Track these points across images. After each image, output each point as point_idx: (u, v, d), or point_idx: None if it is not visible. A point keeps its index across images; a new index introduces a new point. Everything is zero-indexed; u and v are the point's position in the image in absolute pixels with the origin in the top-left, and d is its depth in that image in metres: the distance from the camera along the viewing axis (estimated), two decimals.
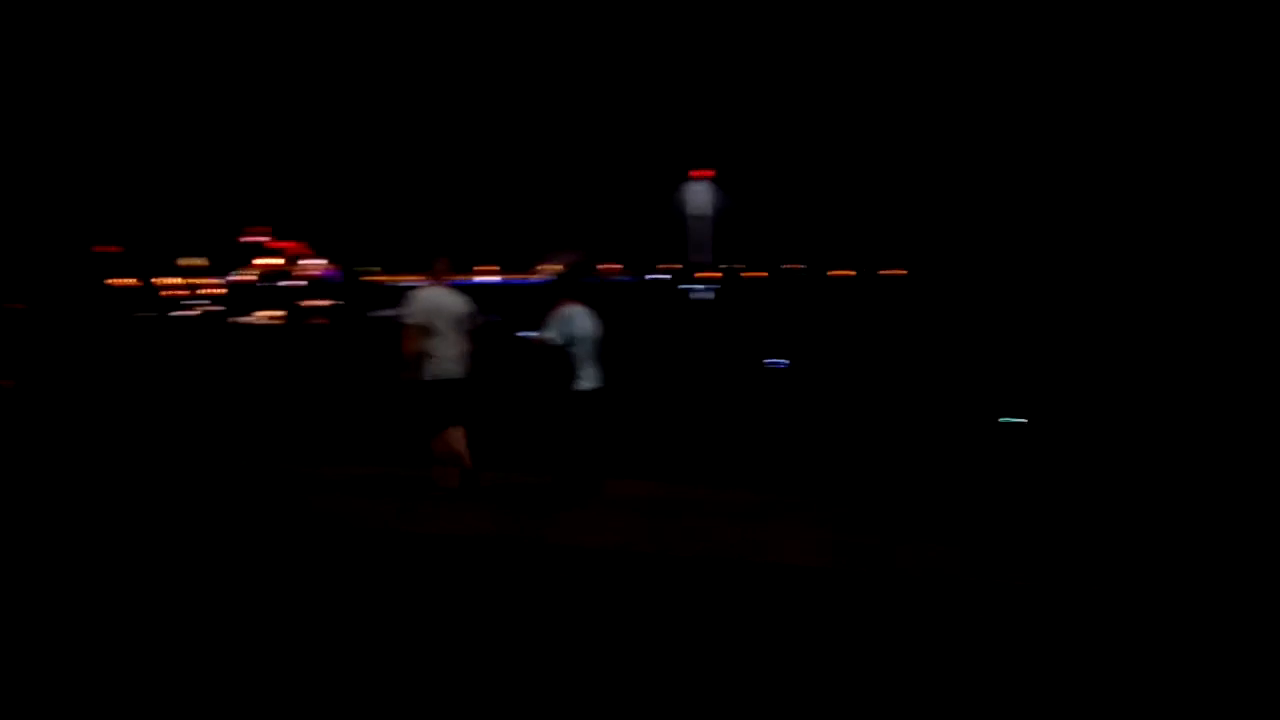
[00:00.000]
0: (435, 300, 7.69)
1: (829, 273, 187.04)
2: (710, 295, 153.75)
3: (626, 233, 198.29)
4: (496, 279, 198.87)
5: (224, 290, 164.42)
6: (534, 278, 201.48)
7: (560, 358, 7.41)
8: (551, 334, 7.46)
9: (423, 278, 7.90)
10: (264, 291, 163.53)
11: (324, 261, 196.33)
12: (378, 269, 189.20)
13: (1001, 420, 16.04)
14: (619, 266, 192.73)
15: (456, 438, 7.74)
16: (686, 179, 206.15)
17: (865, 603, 5.09)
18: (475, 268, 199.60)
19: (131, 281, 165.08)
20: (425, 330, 7.57)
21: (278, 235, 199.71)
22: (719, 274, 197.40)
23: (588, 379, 7.49)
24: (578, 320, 7.60)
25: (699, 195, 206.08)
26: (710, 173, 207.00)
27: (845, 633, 4.70)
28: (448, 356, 7.63)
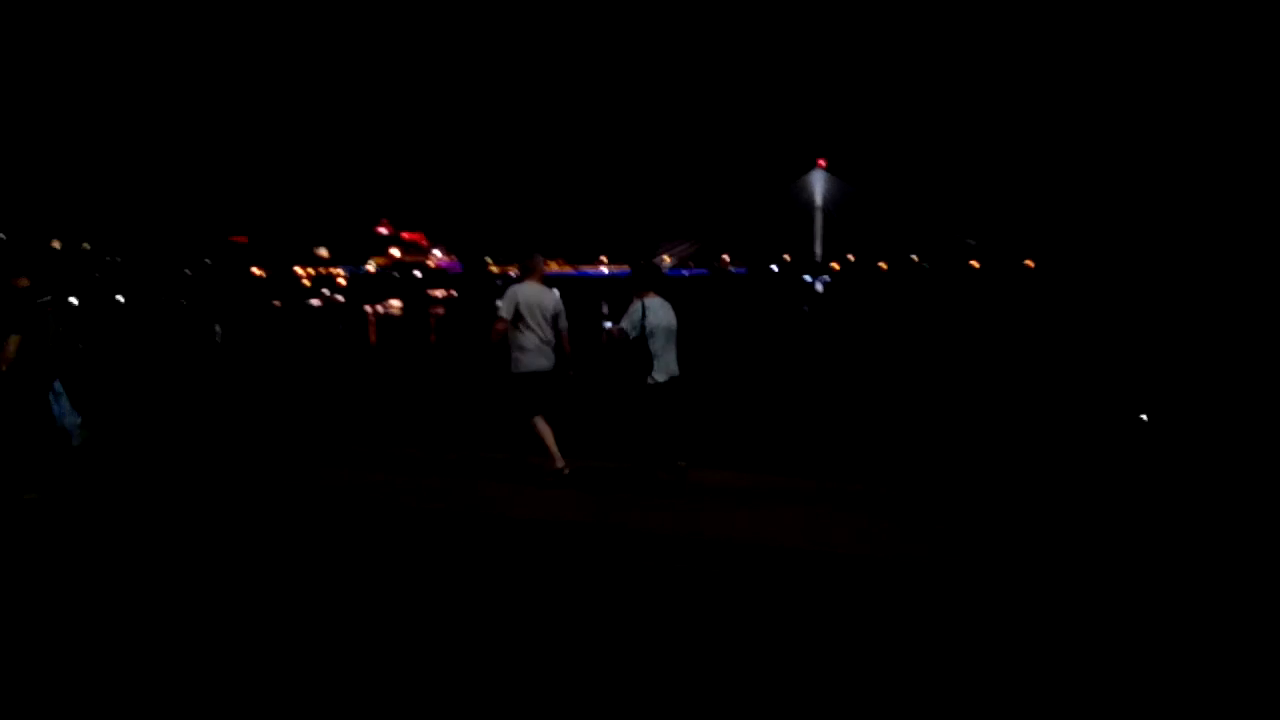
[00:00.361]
0: (526, 295, 7.68)
1: (969, 263, 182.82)
2: (822, 287, 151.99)
3: (745, 223, 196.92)
4: (617, 270, 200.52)
5: (345, 280, 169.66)
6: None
7: (637, 348, 7.37)
8: (627, 325, 7.45)
9: (514, 271, 7.95)
10: (385, 281, 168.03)
11: (441, 252, 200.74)
12: (491, 259, 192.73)
13: (1137, 416, 15.12)
14: (726, 258, 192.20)
15: (544, 427, 7.71)
16: (813, 168, 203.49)
17: (892, 590, 5.26)
18: (600, 258, 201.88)
19: (259, 271, 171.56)
20: (515, 323, 7.60)
21: (398, 226, 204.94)
22: (836, 265, 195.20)
23: (663, 370, 7.44)
24: (653, 312, 7.49)
25: (818, 185, 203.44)
26: (823, 162, 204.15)
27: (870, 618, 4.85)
28: (537, 349, 7.64)
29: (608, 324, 7.60)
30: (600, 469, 8.03)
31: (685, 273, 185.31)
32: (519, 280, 7.84)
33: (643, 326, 7.39)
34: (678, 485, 7.50)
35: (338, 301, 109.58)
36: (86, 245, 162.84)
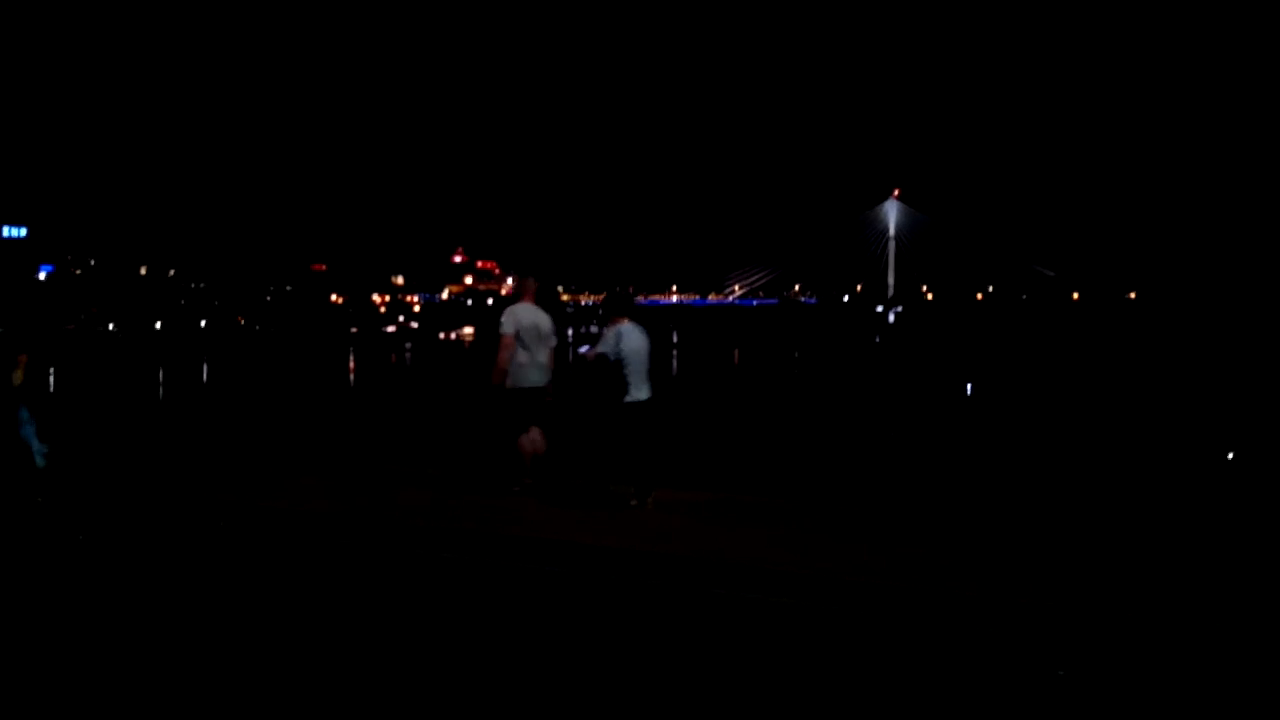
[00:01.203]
0: (523, 315, 8.19)
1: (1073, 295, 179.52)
2: (894, 318, 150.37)
3: (818, 253, 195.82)
4: (687, 299, 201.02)
5: (419, 307, 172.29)
6: (722, 298, 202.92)
7: (614, 372, 7.78)
8: (603, 349, 7.81)
9: (508, 292, 8.59)
10: (457, 308, 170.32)
11: (513, 279, 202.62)
12: (562, 288, 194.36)
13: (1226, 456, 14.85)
14: (796, 288, 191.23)
15: (533, 440, 8.18)
16: (887, 197, 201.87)
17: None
18: (672, 288, 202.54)
19: (338, 299, 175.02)
20: (513, 343, 8.08)
21: (471, 254, 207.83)
22: (929, 294, 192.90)
23: (639, 391, 7.77)
24: (628, 337, 7.83)
25: (893, 215, 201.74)
26: (897, 192, 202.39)
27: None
28: (530, 366, 8.10)
29: (583, 348, 8.03)
30: (579, 487, 8.38)
31: (754, 302, 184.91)
32: (513, 301, 8.36)
33: (619, 351, 7.74)
34: (642, 503, 7.74)
35: (411, 328, 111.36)
36: (171, 272, 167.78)
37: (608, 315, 8.15)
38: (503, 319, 8.18)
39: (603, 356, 7.78)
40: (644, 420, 7.78)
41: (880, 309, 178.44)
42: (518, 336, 8.07)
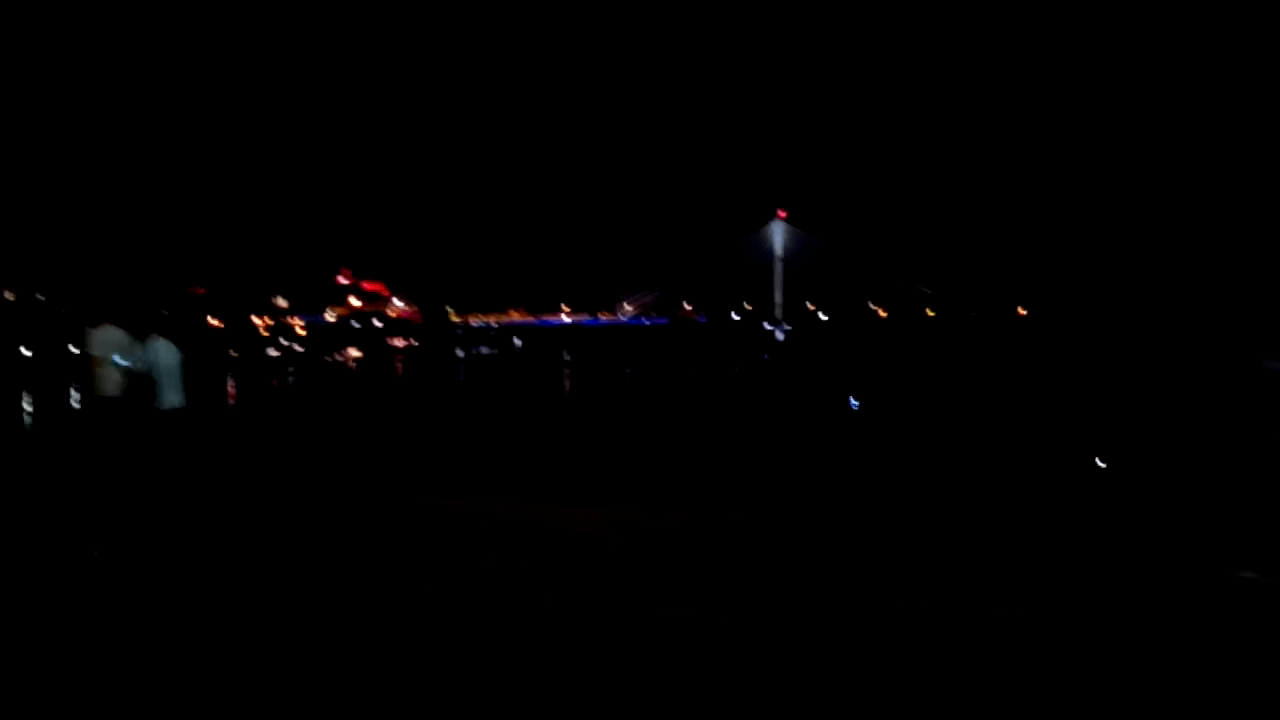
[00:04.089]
0: (101, 335, 9.18)
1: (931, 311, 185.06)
2: (782, 335, 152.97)
3: (706, 273, 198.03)
4: (577, 319, 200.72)
5: (305, 330, 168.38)
6: (612, 318, 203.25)
7: (144, 381, 9.00)
8: (130, 361, 9.04)
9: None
10: (344, 331, 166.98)
11: (403, 302, 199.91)
12: (451, 309, 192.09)
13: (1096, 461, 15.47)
14: (688, 307, 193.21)
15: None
16: (773, 218, 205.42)
17: None
18: (563, 308, 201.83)
19: (217, 322, 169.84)
20: (95, 360, 9.10)
21: (358, 276, 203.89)
22: (822, 315, 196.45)
23: (169, 401, 9.07)
24: (158, 350, 9.18)
25: (778, 236, 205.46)
26: (782, 214, 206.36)
27: None
28: (111, 380, 9.05)
29: (124, 361, 9.12)
30: None
31: (646, 321, 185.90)
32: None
33: (148, 363, 9.04)
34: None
35: (296, 351, 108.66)
36: (40, 297, 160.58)
37: (144, 330, 9.41)
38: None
39: (130, 370, 8.97)
40: (175, 427, 9.06)
41: (769, 327, 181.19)
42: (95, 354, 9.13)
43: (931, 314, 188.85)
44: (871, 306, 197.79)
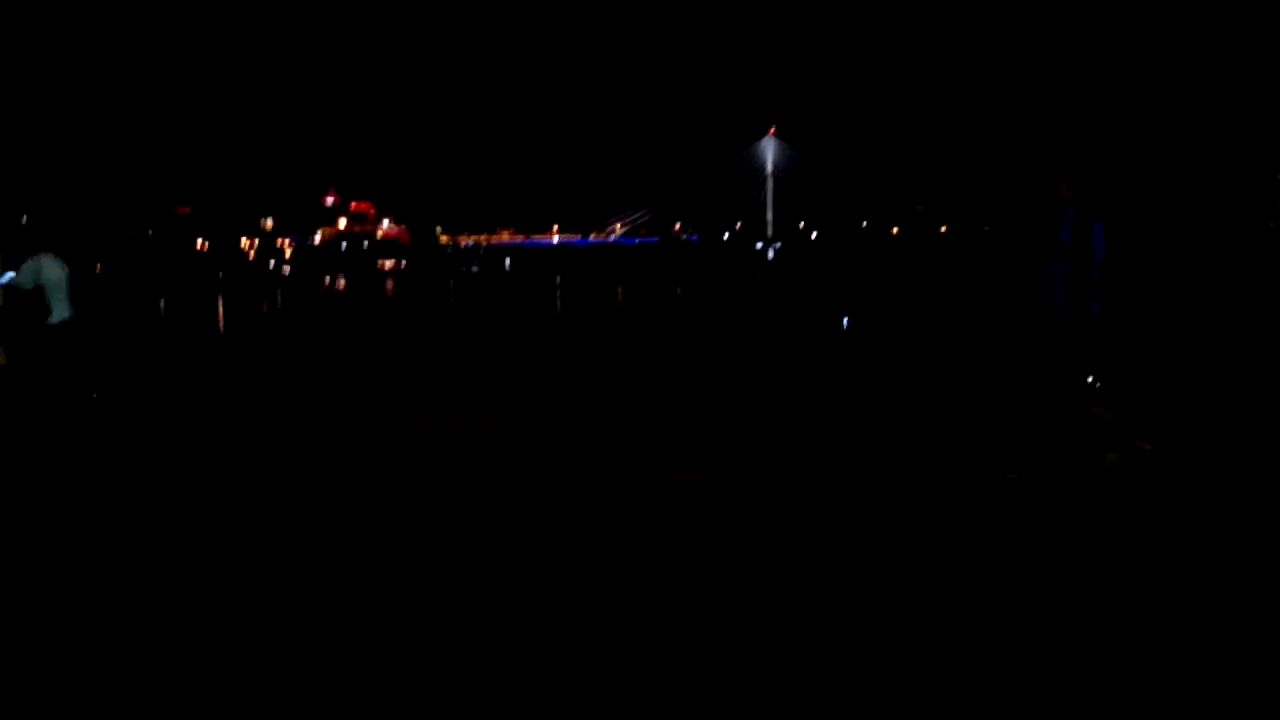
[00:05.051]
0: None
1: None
2: (773, 254, 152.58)
3: (697, 191, 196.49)
4: (570, 239, 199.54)
5: (290, 251, 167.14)
6: (604, 237, 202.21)
7: (34, 299, 9.24)
8: (20, 279, 9.29)
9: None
10: (332, 252, 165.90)
11: (391, 222, 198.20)
12: (440, 229, 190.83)
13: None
14: (678, 226, 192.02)
15: None
16: (765, 135, 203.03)
17: None
18: (554, 228, 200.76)
19: (202, 244, 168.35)
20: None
21: (346, 196, 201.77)
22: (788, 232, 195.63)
23: (58, 315, 9.28)
24: (45, 267, 9.33)
25: (769, 153, 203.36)
26: (773, 130, 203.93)
27: None
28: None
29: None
30: None
31: (635, 241, 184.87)
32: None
33: (37, 280, 9.23)
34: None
35: (284, 273, 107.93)
36: (24, 218, 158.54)
37: (33, 249, 9.58)
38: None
39: (17, 286, 9.26)
40: (61, 339, 9.33)
41: (760, 246, 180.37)
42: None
43: (943, 230, 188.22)
44: (866, 224, 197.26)
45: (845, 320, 29.83)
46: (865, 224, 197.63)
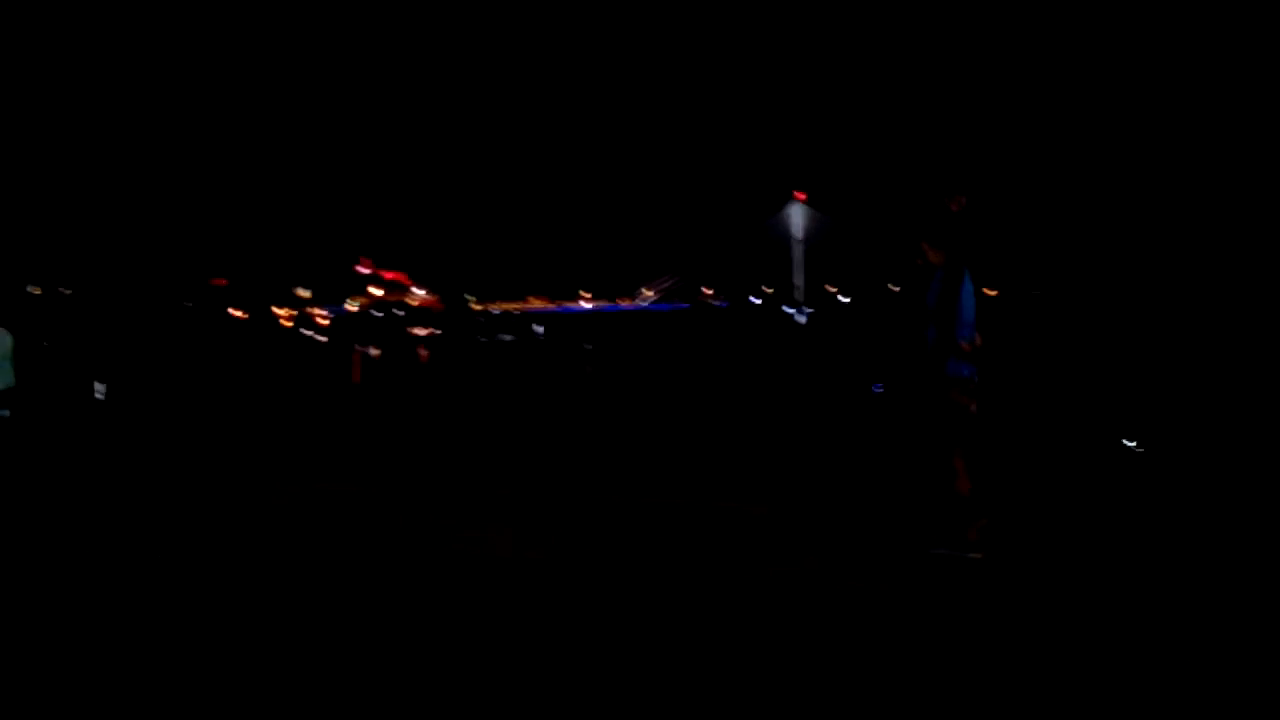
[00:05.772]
0: None
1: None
2: (804, 319, 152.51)
3: (726, 257, 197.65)
4: (601, 305, 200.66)
5: (328, 320, 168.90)
6: (633, 303, 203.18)
7: None
8: None
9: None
10: (367, 321, 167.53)
11: (424, 291, 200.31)
12: (474, 298, 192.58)
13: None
14: (708, 291, 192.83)
15: None
16: (790, 200, 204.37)
17: None
18: (580, 293, 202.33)
19: (241, 314, 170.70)
20: None
21: (379, 265, 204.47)
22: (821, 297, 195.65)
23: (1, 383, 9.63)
24: None
25: (797, 217, 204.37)
26: (801, 195, 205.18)
27: None
28: None
29: None
30: None
31: (666, 307, 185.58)
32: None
33: None
34: None
35: (320, 341, 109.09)
36: (65, 290, 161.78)
37: None
38: None
39: None
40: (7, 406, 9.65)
41: (789, 310, 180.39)
42: None
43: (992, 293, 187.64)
44: (893, 288, 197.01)
45: (877, 387, 29.87)
46: (897, 289, 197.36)
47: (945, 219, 7.30)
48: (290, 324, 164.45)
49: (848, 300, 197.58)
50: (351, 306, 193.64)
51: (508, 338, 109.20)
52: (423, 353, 76.59)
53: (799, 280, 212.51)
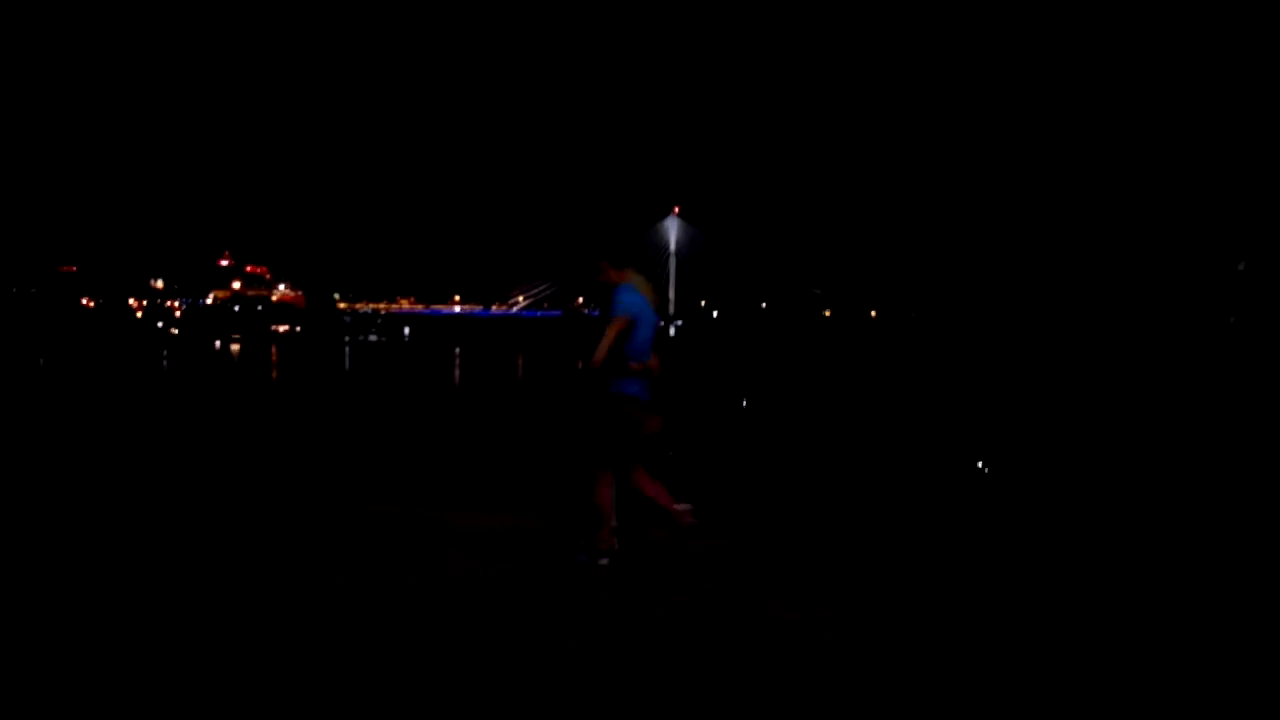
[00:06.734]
0: None
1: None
2: (674, 331, 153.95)
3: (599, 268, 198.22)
4: (472, 309, 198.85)
5: (180, 312, 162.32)
6: (506, 309, 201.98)
7: None
8: None
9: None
10: (224, 314, 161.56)
11: (286, 286, 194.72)
12: (338, 295, 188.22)
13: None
14: (580, 300, 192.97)
15: None
16: (670, 215, 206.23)
17: None
18: (455, 298, 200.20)
19: (89, 302, 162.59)
20: None
21: (239, 258, 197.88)
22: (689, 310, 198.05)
23: None
24: None
25: (673, 232, 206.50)
26: (676, 209, 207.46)
27: None
28: None
29: None
30: None
31: (537, 314, 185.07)
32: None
33: None
34: None
35: (171, 334, 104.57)
36: None
37: None
38: None
39: None
40: None
41: (661, 323, 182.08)
42: None
43: (828, 314, 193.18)
44: (765, 305, 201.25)
45: (744, 401, 29.89)
46: (764, 305, 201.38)
47: (630, 239, 7.25)
48: (142, 314, 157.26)
49: (716, 314, 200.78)
50: (209, 299, 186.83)
51: (374, 338, 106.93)
52: (275, 351, 74.11)
53: (671, 293, 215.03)
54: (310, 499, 7.99)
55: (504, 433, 19.27)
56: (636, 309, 7.04)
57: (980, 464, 16.00)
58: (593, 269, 6.98)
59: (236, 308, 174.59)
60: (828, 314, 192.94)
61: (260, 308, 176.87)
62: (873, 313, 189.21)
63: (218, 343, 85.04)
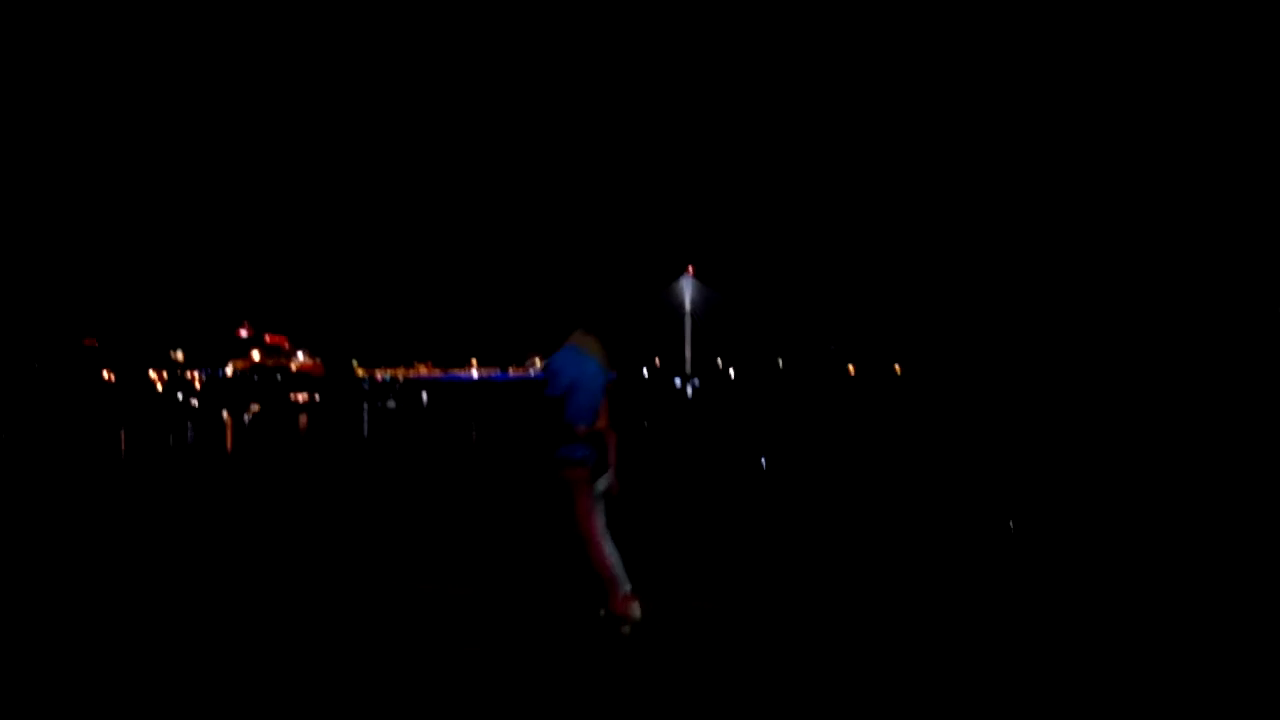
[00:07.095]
0: None
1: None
2: (691, 391, 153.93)
3: (617, 328, 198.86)
4: (489, 374, 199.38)
5: (200, 383, 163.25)
6: (523, 372, 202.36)
7: None
8: None
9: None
10: (244, 384, 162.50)
11: (304, 355, 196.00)
12: (356, 361, 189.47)
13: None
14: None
15: None
16: (684, 275, 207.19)
17: None
18: (472, 361, 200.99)
19: (109, 375, 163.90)
20: None
21: (258, 328, 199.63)
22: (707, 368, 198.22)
23: None
24: None
25: (687, 291, 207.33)
26: (690, 269, 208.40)
27: None
28: None
29: None
30: None
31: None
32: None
33: None
34: None
35: (191, 406, 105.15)
36: None
37: None
38: None
39: None
40: None
41: (678, 382, 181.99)
42: None
43: (853, 371, 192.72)
44: (782, 362, 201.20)
45: (762, 460, 29.78)
46: (780, 362, 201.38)
47: (599, 303, 7.34)
48: (162, 387, 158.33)
49: (733, 374, 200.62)
50: (229, 370, 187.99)
51: (391, 404, 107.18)
52: (302, 420, 74.26)
53: (688, 352, 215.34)
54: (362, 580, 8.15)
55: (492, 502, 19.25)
56: (569, 375, 6.99)
57: (1010, 523, 15.88)
58: (559, 330, 7.10)
59: (256, 377, 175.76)
60: (851, 370, 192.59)
61: (279, 377, 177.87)
62: (897, 367, 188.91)
63: (235, 414, 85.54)
